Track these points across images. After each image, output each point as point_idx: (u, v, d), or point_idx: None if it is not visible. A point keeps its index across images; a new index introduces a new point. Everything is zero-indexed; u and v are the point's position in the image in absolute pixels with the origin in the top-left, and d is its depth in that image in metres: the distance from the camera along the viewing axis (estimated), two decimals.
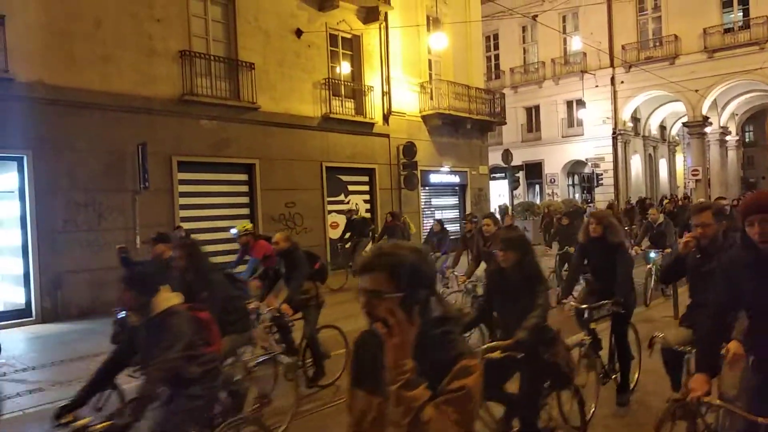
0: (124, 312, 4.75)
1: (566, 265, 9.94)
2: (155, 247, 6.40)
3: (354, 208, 16.66)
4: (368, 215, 16.09)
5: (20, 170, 10.43)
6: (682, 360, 3.69)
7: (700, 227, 3.69)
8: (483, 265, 7.13)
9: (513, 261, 3.73)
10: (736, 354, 3.20)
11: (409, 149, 17.25)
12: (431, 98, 18.47)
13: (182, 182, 12.57)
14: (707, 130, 27.94)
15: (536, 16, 23.12)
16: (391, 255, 1.58)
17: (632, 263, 5.22)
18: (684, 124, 29.14)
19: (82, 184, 10.97)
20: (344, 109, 16.16)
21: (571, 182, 31.56)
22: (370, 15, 16.71)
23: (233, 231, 8.94)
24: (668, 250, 9.09)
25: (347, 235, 13.78)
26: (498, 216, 18.80)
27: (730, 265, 2.67)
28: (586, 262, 5.35)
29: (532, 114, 30.77)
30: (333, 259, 14.39)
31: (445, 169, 19.36)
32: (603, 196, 27.16)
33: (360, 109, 16.59)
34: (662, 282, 4.09)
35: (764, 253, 2.44)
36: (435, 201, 19.84)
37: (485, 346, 3.56)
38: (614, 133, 28.20)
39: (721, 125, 30.12)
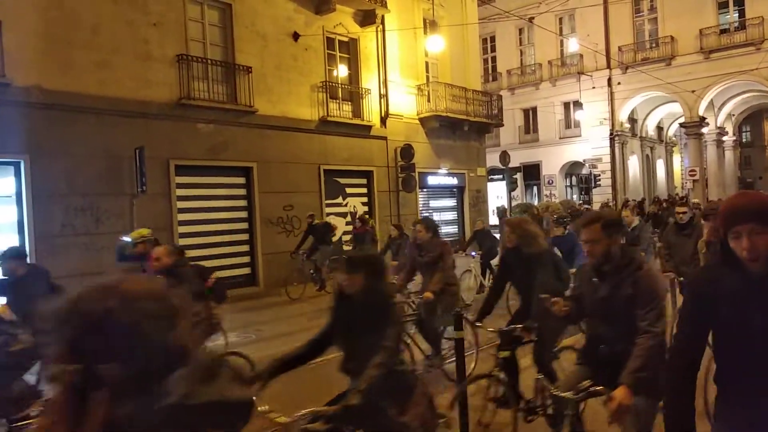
0: None
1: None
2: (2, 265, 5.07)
3: (353, 210, 16.70)
4: (331, 219, 14.90)
5: (17, 175, 10.44)
6: (566, 408, 3.04)
7: (588, 244, 3.04)
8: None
9: (359, 287, 3.01)
10: (623, 405, 2.63)
11: (407, 151, 17.28)
12: (428, 100, 18.50)
13: (180, 186, 12.58)
14: (704, 130, 28.00)
15: (533, 18, 23.19)
16: (85, 303, 0.96)
17: (555, 278, 4.49)
18: (681, 125, 29.22)
19: (79, 188, 10.97)
20: (341, 111, 16.18)
21: (569, 183, 31.62)
22: (366, 18, 16.75)
23: (126, 238, 7.53)
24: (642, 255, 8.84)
25: (308, 240, 12.97)
26: (497, 216, 18.85)
27: (703, 287, 2.04)
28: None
29: (530, 116, 30.82)
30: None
31: (443, 171, 19.39)
32: (601, 197, 27.20)
33: (357, 111, 16.62)
34: (572, 323, 3.90)
35: (755, 275, 1.85)
36: (433, 203, 19.86)
37: (302, 412, 2.67)
38: (611, 134, 28.25)
39: (718, 126, 30.18)
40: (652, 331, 2.79)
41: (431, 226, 6.37)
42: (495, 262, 11.44)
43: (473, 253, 11.44)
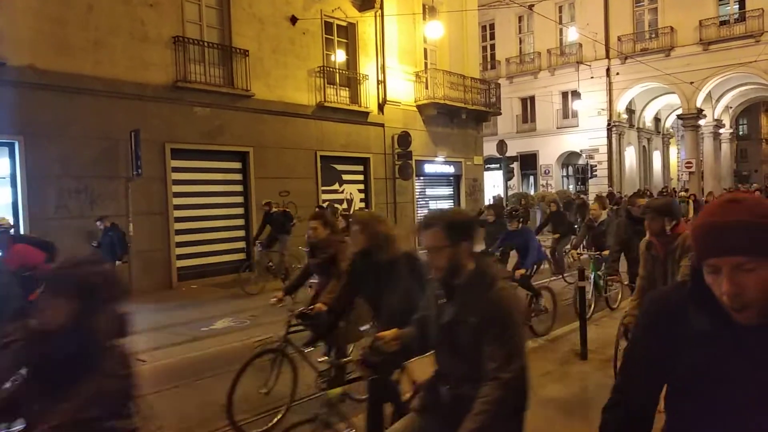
0: None
1: None
2: None
3: (349, 197, 16.68)
4: (288, 208, 13.30)
5: (11, 156, 10.35)
6: None
7: (429, 252, 2.31)
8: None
9: (66, 316, 2.04)
10: None
11: (404, 139, 17.21)
12: (426, 87, 18.40)
13: (175, 170, 12.50)
14: (701, 122, 27.99)
15: (532, 5, 23.02)
16: None
17: (415, 293, 3.10)
18: (678, 117, 29.21)
19: (74, 170, 10.88)
20: (339, 97, 16.08)
21: (565, 173, 31.61)
22: (365, 3, 16.58)
23: None
24: (606, 252, 7.58)
25: (266, 230, 12.08)
26: (489, 206, 18.73)
27: (662, 320, 1.43)
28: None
29: (527, 105, 30.72)
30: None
31: (440, 159, 19.33)
32: (597, 187, 27.22)
33: (355, 97, 16.52)
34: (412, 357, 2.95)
35: (737, 324, 1.28)
36: (429, 191, 19.83)
37: None
38: (609, 124, 28.21)
39: (715, 118, 30.19)
40: (500, 377, 2.08)
41: (329, 223, 5.18)
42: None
43: None
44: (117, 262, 10.51)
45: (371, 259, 3.52)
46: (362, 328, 3.34)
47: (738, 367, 1.30)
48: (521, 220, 7.44)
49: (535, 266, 7.24)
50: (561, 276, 10.93)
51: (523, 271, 6.81)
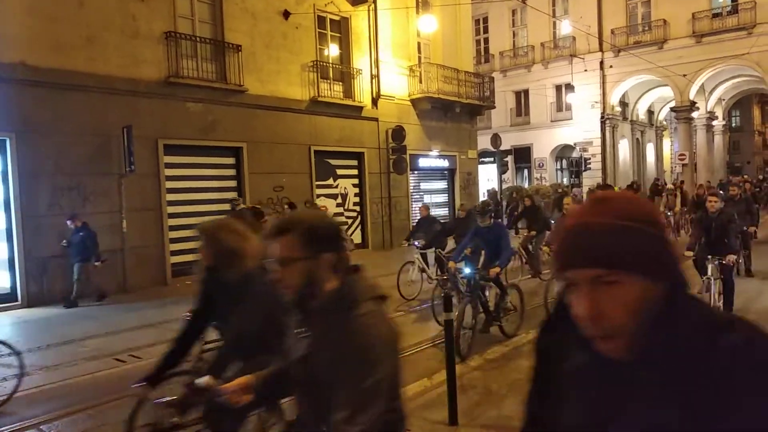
0: None
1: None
2: None
3: (344, 192, 16.68)
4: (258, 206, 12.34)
5: (3, 153, 10.30)
6: None
7: (280, 267, 1.74)
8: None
9: None
10: None
11: (398, 133, 17.21)
12: (420, 82, 18.38)
13: (169, 166, 12.46)
14: (694, 114, 28.12)
15: None
16: None
17: (276, 314, 2.41)
18: (672, 109, 29.31)
19: (66, 167, 10.84)
20: (332, 92, 16.04)
21: (559, 166, 31.68)
22: None
23: None
24: None
25: None
26: (488, 198, 18.72)
27: (550, 348, 1.17)
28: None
29: (521, 98, 30.74)
30: None
31: (434, 153, 19.34)
32: (591, 180, 27.30)
33: (348, 92, 16.48)
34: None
35: (606, 359, 1.01)
36: (424, 185, 19.84)
37: None
38: (602, 117, 28.28)
39: (708, 110, 30.31)
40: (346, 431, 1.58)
41: (246, 236, 4.17)
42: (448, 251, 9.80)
43: (416, 243, 10.31)
44: (97, 263, 10.38)
45: (220, 277, 2.96)
46: (198, 380, 2.56)
47: (613, 417, 1.00)
48: (493, 215, 7.20)
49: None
50: (538, 276, 10.27)
51: (498, 269, 6.59)
